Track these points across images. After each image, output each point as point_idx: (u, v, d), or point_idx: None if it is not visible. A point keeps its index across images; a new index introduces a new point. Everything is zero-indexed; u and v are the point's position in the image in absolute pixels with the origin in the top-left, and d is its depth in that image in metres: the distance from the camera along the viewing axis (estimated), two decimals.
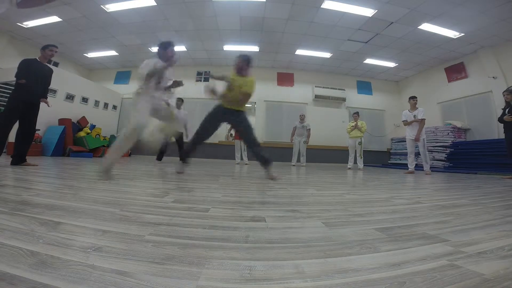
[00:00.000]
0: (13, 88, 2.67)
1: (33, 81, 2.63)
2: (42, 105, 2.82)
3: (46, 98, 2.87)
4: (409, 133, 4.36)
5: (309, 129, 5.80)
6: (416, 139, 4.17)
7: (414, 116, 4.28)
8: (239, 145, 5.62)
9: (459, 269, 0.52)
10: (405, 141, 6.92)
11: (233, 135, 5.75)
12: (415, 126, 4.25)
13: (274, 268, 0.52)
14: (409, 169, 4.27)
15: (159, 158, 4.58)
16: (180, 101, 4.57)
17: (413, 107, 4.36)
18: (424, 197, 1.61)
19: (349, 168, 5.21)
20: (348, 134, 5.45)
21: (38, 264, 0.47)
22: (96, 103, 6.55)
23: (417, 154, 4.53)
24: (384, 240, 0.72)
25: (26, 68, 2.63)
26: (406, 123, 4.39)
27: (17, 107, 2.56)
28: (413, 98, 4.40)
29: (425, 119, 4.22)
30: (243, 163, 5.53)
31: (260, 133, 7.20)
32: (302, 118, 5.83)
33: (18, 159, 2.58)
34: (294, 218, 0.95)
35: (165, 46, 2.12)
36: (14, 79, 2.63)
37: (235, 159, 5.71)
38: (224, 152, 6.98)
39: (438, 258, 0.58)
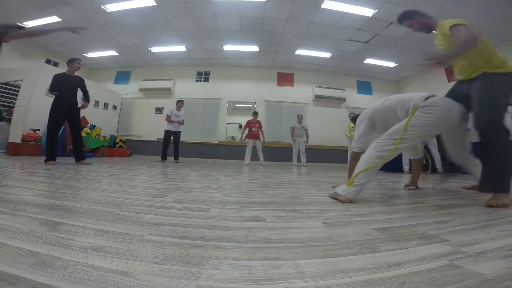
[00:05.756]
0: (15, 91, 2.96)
1: (65, 92, 3.11)
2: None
3: (88, 101, 3.44)
4: None
5: (307, 129, 5.82)
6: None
7: None
8: (251, 145, 5.57)
9: (459, 269, 0.52)
10: None
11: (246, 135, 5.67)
12: None
13: (274, 268, 0.52)
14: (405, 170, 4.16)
15: (164, 158, 4.86)
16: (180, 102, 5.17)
17: None
18: (424, 197, 1.61)
19: None
20: (347, 138, 5.44)
21: (38, 264, 0.47)
22: (96, 103, 6.54)
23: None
24: (384, 240, 0.72)
25: (56, 82, 3.12)
26: None
27: (57, 116, 3.06)
28: None
29: None
30: (258, 163, 5.49)
31: None
32: (300, 118, 5.82)
33: (79, 157, 3.20)
34: (294, 218, 0.95)
35: None
36: (17, 80, 2.84)
37: (244, 159, 5.46)
38: (223, 152, 6.98)
39: (438, 258, 0.58)
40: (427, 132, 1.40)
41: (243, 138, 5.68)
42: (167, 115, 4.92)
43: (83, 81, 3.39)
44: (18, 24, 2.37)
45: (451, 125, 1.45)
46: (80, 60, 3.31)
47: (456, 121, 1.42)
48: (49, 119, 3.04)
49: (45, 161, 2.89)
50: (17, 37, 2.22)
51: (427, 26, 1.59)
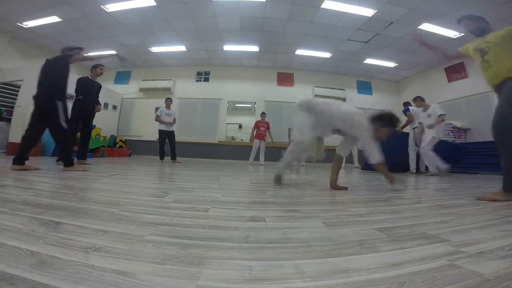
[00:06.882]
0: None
1: (88, 95, 3.28)
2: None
3: (99, 104, 3.59)
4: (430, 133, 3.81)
5: None
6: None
7: (429, 115, 3.85)
8: (257, 145, 5.59)
9: (459, 269, 0.52)
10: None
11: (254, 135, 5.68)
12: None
13: (274, 268, 0.52)
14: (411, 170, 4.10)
15: (161, 158, 4.85)
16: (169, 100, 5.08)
17: (426, 105, 3.95)
18: (424, 197, 1.61)
19: (357, 167, 5.29)
20: None
21: (38, 264, 0.47)
22: None
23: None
24: (384, 240, 0.72)
25: (81, 85, 3.30)
26: (432, 126, 3.79)
27: (77, 117, 3.14)
28: (416, 99, 4.06)
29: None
30: (258, 163, 5.50)
31: None
32: None
33: (82, 156, 3.30)
34: (294, 218, 0.95)
35: None
36: (17, 80, 2.87)
37: (248, 159, 5.58)
38: (223, 152, 6.98)
39: (438, 258, 0.58)
40: (308, 123, 1.73)
41: (252, 139, 5.75)
42: (156, 115, 4.80)
43: (100, 87, 3.58)
44: (78, 46, 2.63)
45: (323, 114, 1.74)
46: (103, 66, 3.46)
47: (317, 110, 1.75)
48: (69, 122, 3.09)
49: (57, 160, 2.92)
50: (79, 59, 2.55)
51: (482, 29, 1.90)
